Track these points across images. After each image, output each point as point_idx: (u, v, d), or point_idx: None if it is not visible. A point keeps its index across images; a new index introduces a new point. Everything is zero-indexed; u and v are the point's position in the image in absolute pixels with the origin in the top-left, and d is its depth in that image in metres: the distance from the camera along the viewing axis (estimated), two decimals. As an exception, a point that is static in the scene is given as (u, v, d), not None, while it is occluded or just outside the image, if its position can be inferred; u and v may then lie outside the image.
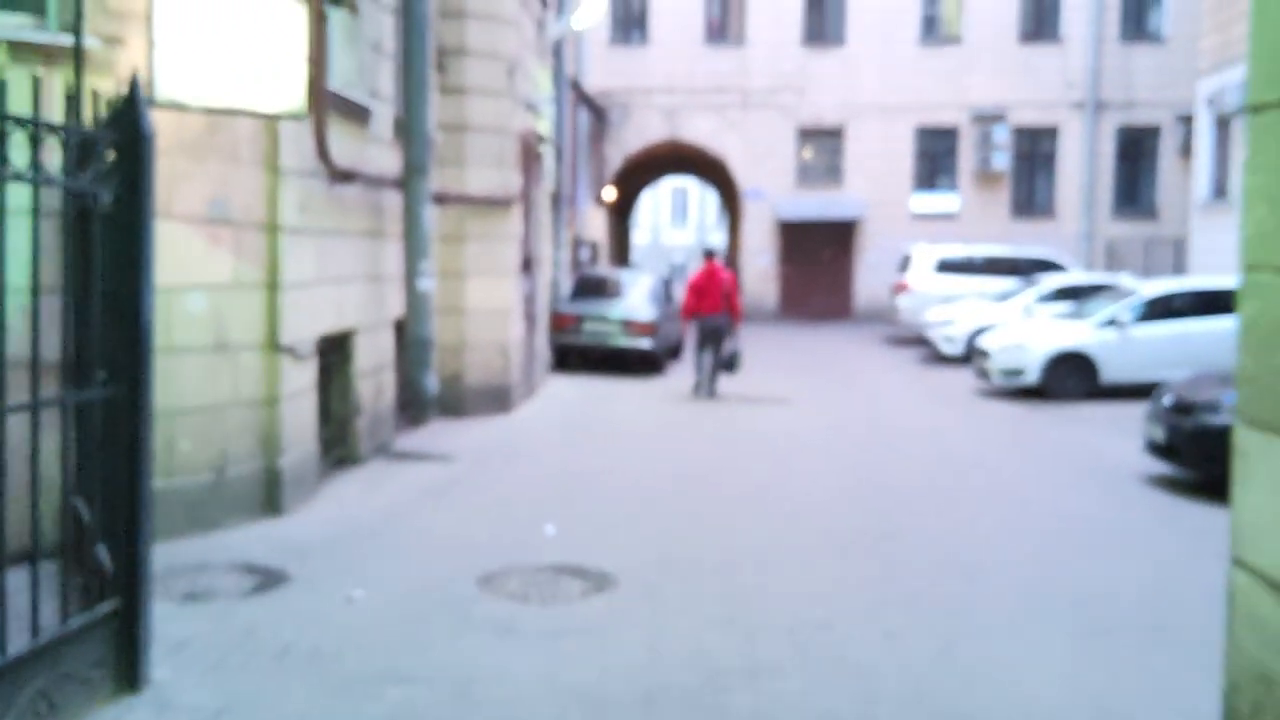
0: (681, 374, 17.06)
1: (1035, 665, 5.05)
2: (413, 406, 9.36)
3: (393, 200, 9.45)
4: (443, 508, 7.85)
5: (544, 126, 13.58)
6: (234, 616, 5.45)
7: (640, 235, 56.33)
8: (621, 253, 37.59)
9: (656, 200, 59.14)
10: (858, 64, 27.42)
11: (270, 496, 7.39)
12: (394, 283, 9.54)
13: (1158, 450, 9.36)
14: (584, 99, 25.70)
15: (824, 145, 27.94)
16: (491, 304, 11.60)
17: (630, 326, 16.11)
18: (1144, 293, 15.16)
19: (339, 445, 8.82)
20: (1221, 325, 14.83)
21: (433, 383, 9.25)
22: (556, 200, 19.14)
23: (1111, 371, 14.79)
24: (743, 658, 5.04)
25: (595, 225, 27.49)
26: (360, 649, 5.05)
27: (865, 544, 7.09)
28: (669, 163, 33.85)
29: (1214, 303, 15.04)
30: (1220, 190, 21.19)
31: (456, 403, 11.47)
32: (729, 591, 6.03)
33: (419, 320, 9.13)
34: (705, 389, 14.14)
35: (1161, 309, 14.98)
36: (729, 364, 14.26)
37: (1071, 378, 14.85)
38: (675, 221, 60.68)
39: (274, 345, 7.40)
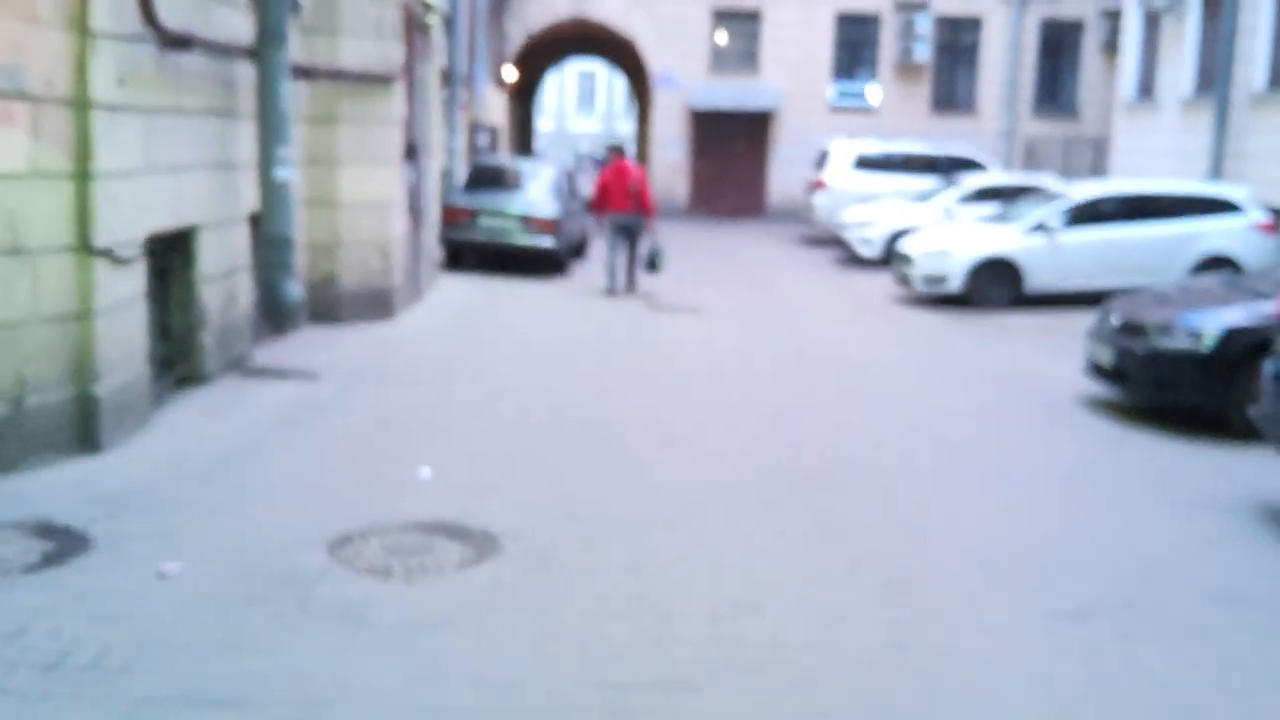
0: (586, 274, 15.89)
1: (1005, 666, 4.15)
2: (273, 315, 8.05)
3: (246, 73, 7.99)
4: (298, 441, 6.64)
5: (433, -7, 12.03)
6: (2, 606, 4.25)
7: (544, 122, 54.25)
8: (524, 141, 35.83)
9: (562, 84, 56.93)
10: (777, -57, 25.87)
11: (85, 430, 6.11)
12: (248, 171, 8.13)
13: (1103, 374, 8.56)
14: (485, -30, 23.76)
15: (740, 29, 26.49)
16: (369, 196, 10.22)
17: (530, 223, 14.80)
18: (1072, 196, 14.35)
19: (181, 363, 7.51)
20: (1152, 232, 14.17)
21: (294, 288, 7.94)
22: (449, 80, 17.52)
23: (1038, 280, 14.04)
24: (654, 662, 4.04)
25: (495, 109, 25.77)
26: (161, 656, 3.91)
27: (795, 494, 6.12)
28: (575, 43, 32.04)
29: (1143, 208, 14.34)
30: (1146, 90, 20.45)
31: (330, 308, 10.16)
32: (638, 559, 5.01)
33: (277, 216, 7.77)
34: (622, 287, 13.91)
35: (1089, 214, 14.21)
36: (651, 263, 13.95)
37: (996, 286, 14.06)
38: (582, 108, 58.59)
39: (87, 247, 6.05)
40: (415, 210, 11.52)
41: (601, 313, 12.47)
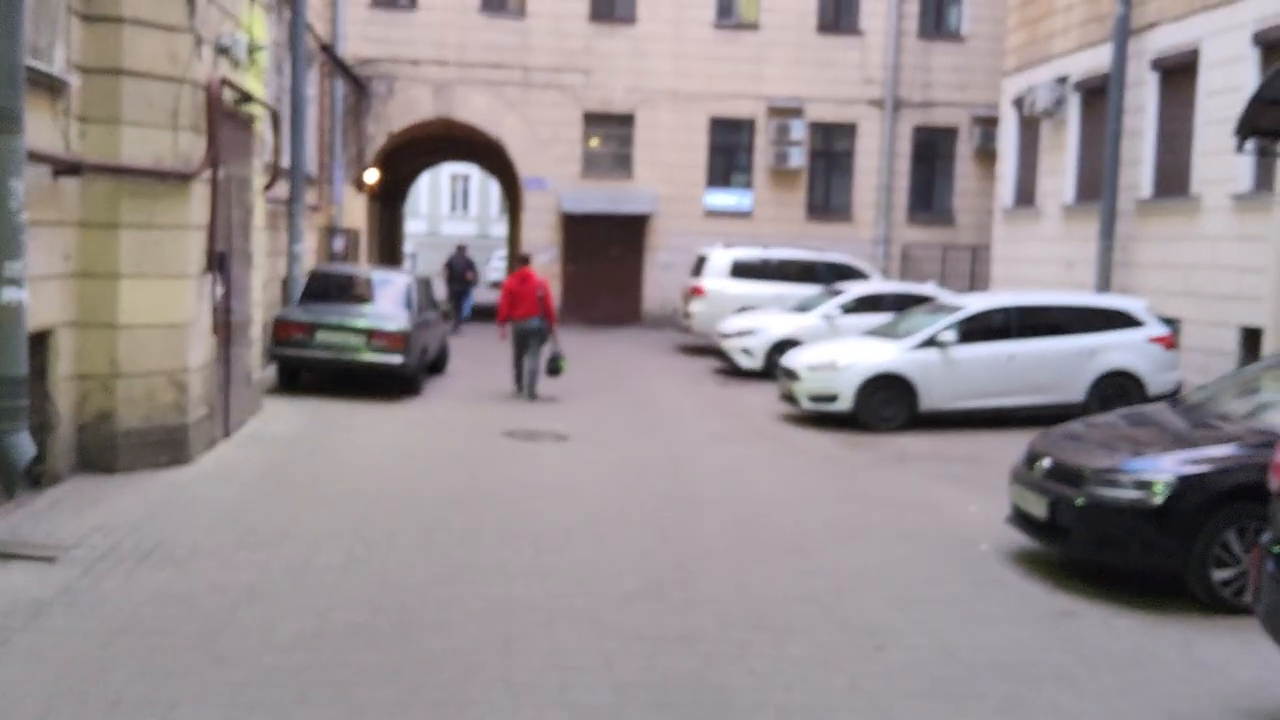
0: (444, 393, 14.21)
1: None
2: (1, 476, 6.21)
3: (-27, 167, 6.25)
4: (-9, 670, 4.80)
5: (253, 82, 10.45)
6: None
7: (415, 224, 52.76)
8: (391, 244, 34.18)
9: (436, 187, 55.66)
10: (649, 45, 25.14)
11: None
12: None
13: (1033, 526, 7.25)
14: (341, 67, 22.39)
15: (613, 133, 25.53)
16: (158, 316, 8.44)
17: (376, 337, 13.13)
18: (966, 308, 13.37)
19: None
20: (1051, 347, 13.24)
21: (23, 444, 6.12)
22: (294, 181, 15.92)
23: (933, 398, 12.93)
24: None
25: (355, 212, 24.20)
26: None
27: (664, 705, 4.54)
28: (444, 145, 30.76)
29: (1039, 321, 13.45)
30: (1026, 197, 20.00)
31: (104, 454, 8.28)
32: None
33: (1, 349, 5.98)
34: (527, 392, 14.22)
35: (983, 327, 13.25)
36: (552, 368, 14.35)
37: (889, 405, 12.90)
38: (456, 211, 57.27)
39: None
40: (228, 328, 9.77)
41: (453, 444, 10.81)
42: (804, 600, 6.30)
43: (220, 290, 9.49)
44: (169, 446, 8.61)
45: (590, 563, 6.79)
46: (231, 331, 9.96)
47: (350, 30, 24.14)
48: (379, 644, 5.24)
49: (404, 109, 24.82)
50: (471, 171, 52.81)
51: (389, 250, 33.45)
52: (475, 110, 25.01)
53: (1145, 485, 6.50)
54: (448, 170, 53.61)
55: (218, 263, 9.28)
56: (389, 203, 33.55)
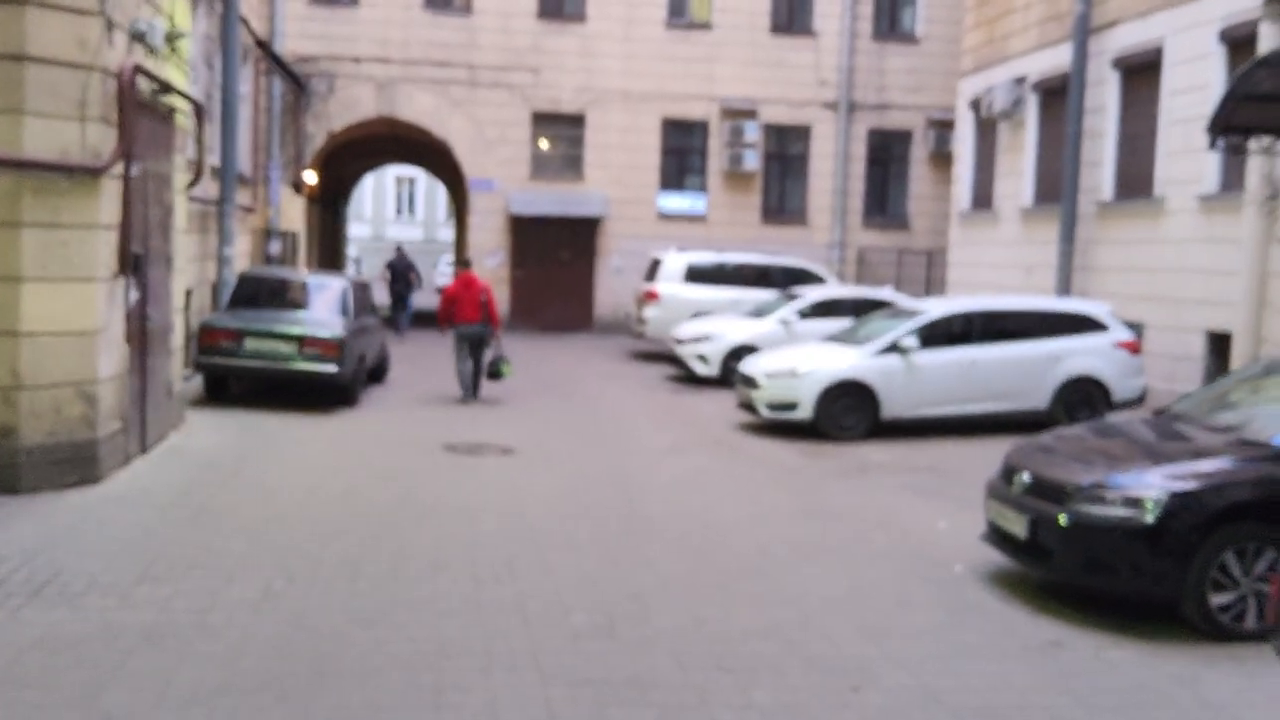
0: (383, 404, 13.53)
1: None
2: None
3: None
4: None
5: (175, 73, 9.74)
6: None
7: (359, 228, 51.77)
8: (333, 248, 33.31)
9: (380, 190, 54.67)
10: (599, 44, 24.57)
11: None
12: None
13: (1013, 545, 6.76)
14: (278, 64, 21.60)
15: (562, 133, 24.91)
16: (64, 323, 7.72)
17: (309, 344, 12.41)
18: (927, 313, 12.94)
19: None
20: (1015, 352, 12.83)
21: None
22: (225, 180, 15.16)
23: (895, 406, 12.48)
24: None
25: (293, 214, 23.37)
26: None
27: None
28: (388, 146, 29.96)
29: (1002, 326, 13.04)
30: (983, 200, 19.70)
31: (4, 473, 7.55)
32: None
33: None
34: (469, 395, 14.23)
35: (945, 333, 12.82)
36: (494, 372, 14.32)
37: (850, 413, 12.43)
38: (401, 215, 56.31)
39: None
40: (141, 337, 9.04)
41: (389, 460, 10.15)
42: (769, 634, 5.74)
43: (135, 295, 8.76)
44: (77, 464, 7.88)
45: (534, 595, 6.19)
46: (148, 340, 9.24)
47: (289, 27, 23.37)
48: (290, 698, 4.61)
49: (345, 108, 24.04)
50: (417, 174, 51.94)
51: (330, 254, 32.57)
52: (420, 110, 24.29)
53: (1135, 503, 6.03)
54: (393, 173, 52.69)
55: (132, 265, 8.56)
56: (330, 205, 32.68)
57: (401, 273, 24.44)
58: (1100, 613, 6.28)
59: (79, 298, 7.76)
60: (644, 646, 5.45)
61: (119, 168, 8.04)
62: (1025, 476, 6.76)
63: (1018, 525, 6.61)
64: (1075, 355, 12.98)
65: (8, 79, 7.30)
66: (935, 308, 13.14)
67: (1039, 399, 12.83)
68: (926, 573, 7.10)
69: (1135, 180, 15.27)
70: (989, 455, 11.54)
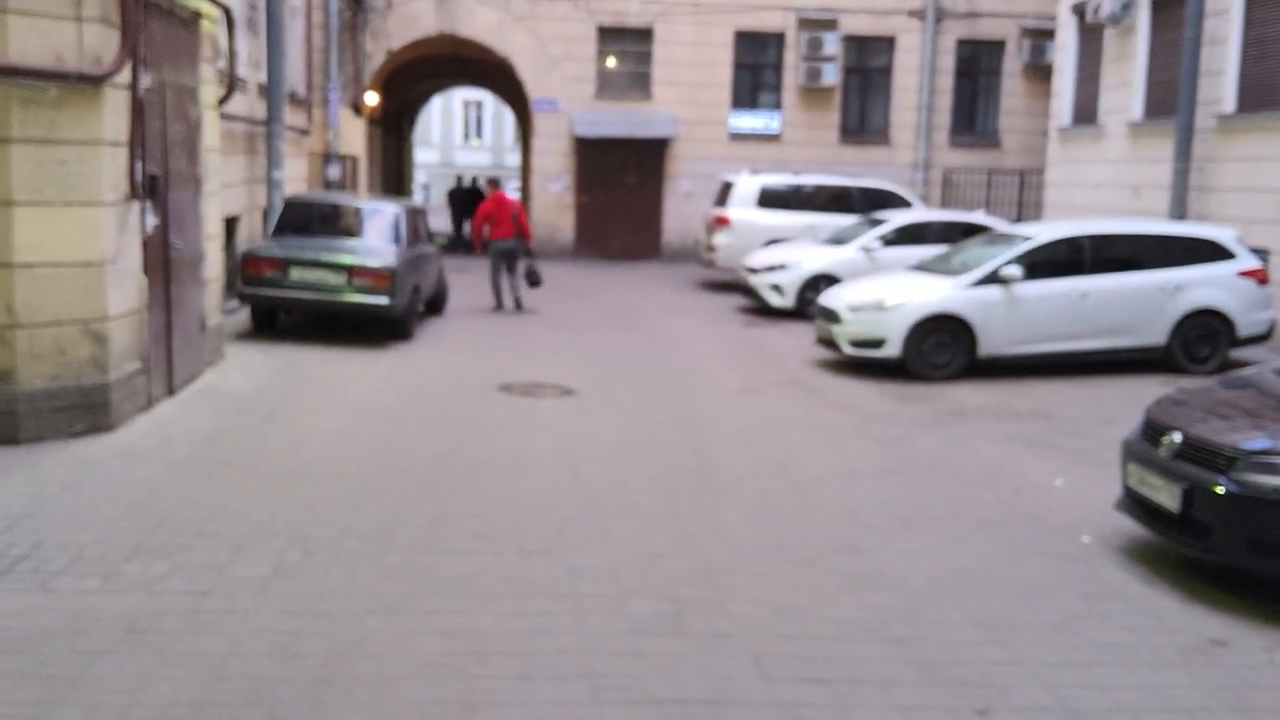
0: (440, 339, 12.67)
1: None
2: None
3: None
4: None
5: (198, -28, 8.77)
6: None
7: (427, 154, 50.91)
8: (398, 173, 32.48)
9: (448, 114, 53.66)
10: (669, -48, 23.12)
11: None
12: None
13: (1159, 519, 5.66)
14: (333, -24, 20.51)
15: (629, 49, 23.60)
16: (66, 252, 6.88)
17: (359, 275, 11.55)
18: (1031, 239, 11.67)
19: None
20: (1129, 283, 11.54)
21: None
22: (272, 99, 14.26)
23: (993, 343, 11.31)
24: None
25: (353, 138, 22.50)
26: None
27: None
28: (451, 67, 28.86)
29: (1114, 254, 11.73)
30: (1086, 115, 18.10)
31: (2, 421, 6.79)
32: None
33: None
34: (510, 306, 15.21)
35: (1050, 261, 11.55)
36: (532, 280, 15.12)
37: (943, 350, 11.29)
38: (469, 139, 55.29)
39: None
40: (163, 267, 8.20)
41: (439, 402, 9.27)
42: (870, 630, 4.76)
43: (154, 221, 7.91)
44: (86, 411, 7.11)
45: (588, 573, 5.26)
46: (173, 270, 8.40)
47: (344, -63, 22.25)
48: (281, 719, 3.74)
49: (404, 24, 22.97)
50: (484, 98, 50.76)
51: (395, 180, 31.77)
52: (481, 25, 23.13)
53: (1324, 475, 4.90)
54: (460, 96, 51.60)
55: (148, 188, 7.70)
56: (395, 129, 31.78)
57: (463, 200, 23.72)
58: (1269, 602, 5.20)
59: (82, 223, 6.91)
60: (718, 646, 4.50)
61: (125, 75, 7.13)
62: (1176, 436, 5.63)
63: (1167, 495, 5.51)
64: (1196, 286, 11.65)
65: (-11, -28, 6.39)
66: (1040, 233, 11.86)
67: (1155, 334, 11.57)
68: (1049, 545, 6.05)
69: (1263, 90, 13.68)
70: (1101, 398, 10.46)
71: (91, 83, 6.81)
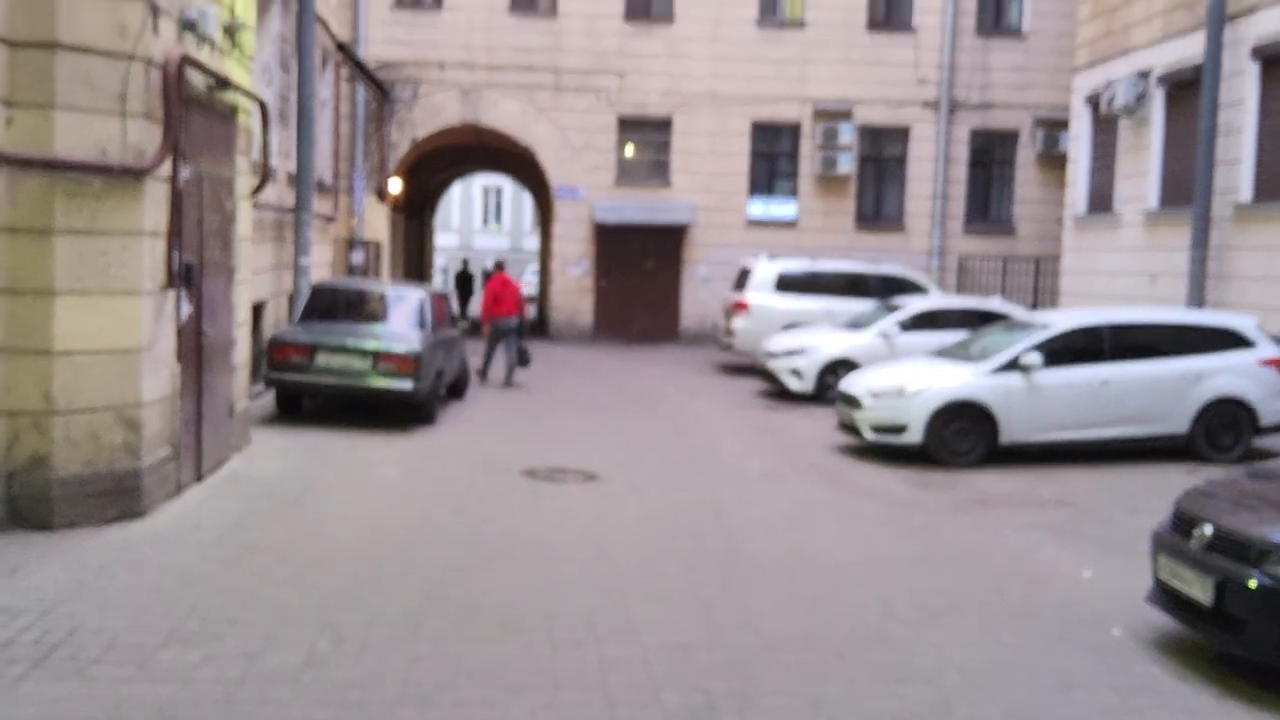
0: (461, 422, 12.74)
1: None
2: None
3: None
4: None
5: (236, 68, 9.05)
6: None
7: (446, 238, 51.59)
8: (418, 258, 32.90)
9: (467, 199, 54.49)
10: (687, 46, 23.67)
11: None
12: None
13: (1192, 613, 5.63)
14: (361, 70, 21.10)
15: (648, 139, 24.05)
16: (103, 340, 7.02)
17: (384, 360, 11.69)
18: (1051, 326, 11.75)
19: None
20: (1150, 371, 11.57)
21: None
22: (301, 187, 14.57)
23: (1015, 430, 11.31)
24: None
25: (377, 223, 22.90)
26: None
27: None
28: (474, 154, 29.44)
29: (1133, 342, 11.78)
30: (1100, 203, 18.29)
31: (37, 507, 6.87)
32: None
33: None
34: (506, 380, 16.35)
35: (1069, 348, 11.61)
36: (522, 359, 16.51)
37: (965, 437, 11.29)
38: (488, 224, 56.05)
39: None
40: (195, 353, 8.34)
41: (464, 487, 9.31)
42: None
43: (188, 308, 8.06)
44: (118, 497, 7.18)
45: (618, 664, 5.25)
46: (204, 356, 8.54)
47: (372, 32, 22.89)
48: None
49: (429, 115, 23.49)
50: (504, 183, 51.60)
51: (417, 264, 32.17)
52: (505, 116, 23.63)
53: (1359, 570, 4.89)
54: (479, 181, 52.44)
55: (184, 276, 7.86)
56: (416, 215, 32.28)
57: (465, 284, 24.43)
58: (1309, 699, 5.15)
59: (120, 312, 7.05)
60: (751, 740, 4.48)
61: (166, 168, 7.33)
62: (1207, 529, 5.63)
63: (1199, 589, 5.49)
64: (1217, 374, 11.67)
65: (37, 70, 6.62)
66: (1059, 320, 11.94)
67: (1177, 423, 11.56)
68: (1080, 637, 6.01)
69: (1278, 180, 13.85)
70: (1125, 487, 10.42)
71: (134, 176, 7.01)
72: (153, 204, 7.26)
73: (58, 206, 6.75)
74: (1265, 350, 11.90)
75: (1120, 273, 17.30)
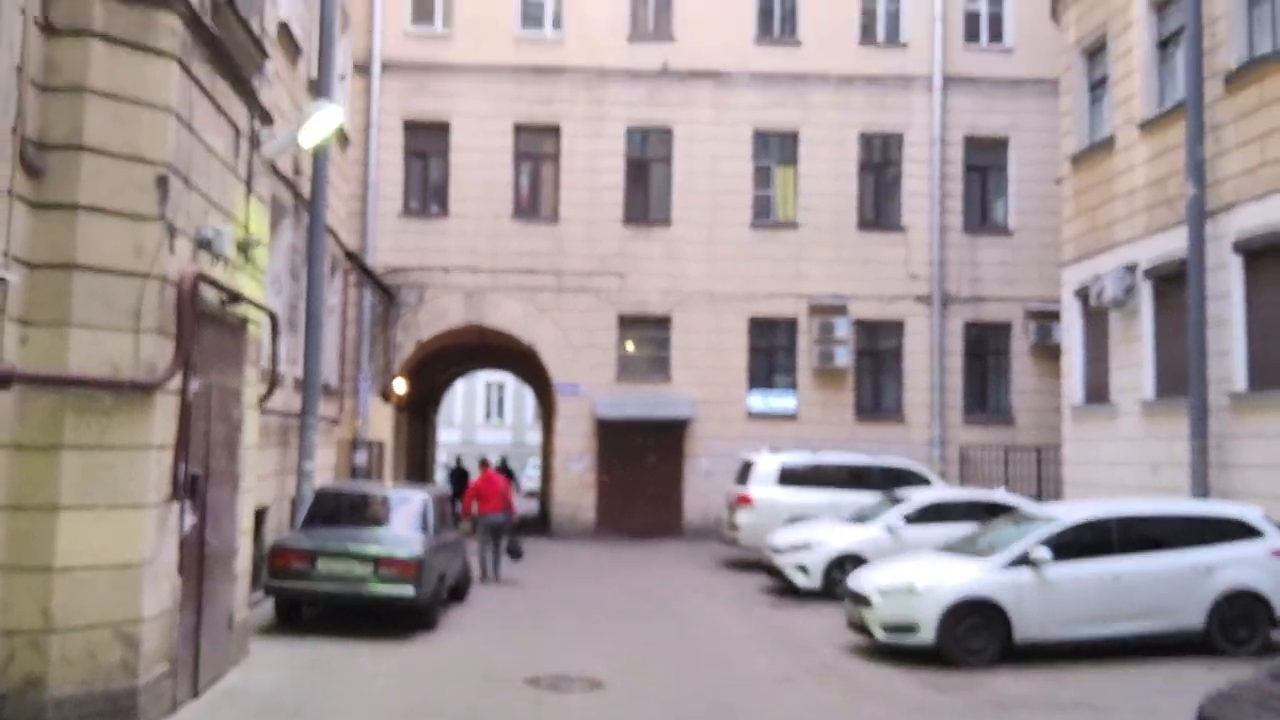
0: (462, 627, 12.51)
1: None
2: None
3: None
4: None
5: (248, 282, 9.33)
6: None
7: (449, 434, 51.84)
8: (421, 457, 32.99)
9: (470, 394, 55.05)
10: (684, 247, 24.43)
11: None
12: None
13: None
14: (369, 276, 21.73)
15: (648, 336, 24.51)
16: (106, 555, 6.98)
17: (384, 565, 11.57)
18: (1059, 520, 11.69)
19: None
20: (1161, 564, 11.44)
21: None
22: (307, 393, 14.76)
23: (1028, 627, 11.10)
24: None
25: (381, 424, 23.08)
26: None
27: None
28: (476, 353, 29.93)
29: (1142, 534, 11.69)
30: (1097, 393, 18.46)
31: (29, 730, 6.69)
32: None
33: None
34: (491, 577, 16.24)
35: (1078, 542, 11.51)
36: (514, 553, 16.55)
37: (978, 635, 11.07)
38: (490, 419, 56.42)
39: None
40: (197, 565, 8.27)
41: (463, 698, 9.06)
42: None
43: (191, 520, 8.05)
44: (112, 717, 6.98)
45: None
46: (206, 567, 8.47)
47: (380, 240, 23.68)
48: None
49: (434, 317, 24.01)
50: (506, 378, 52.24)
51: (419, 463, 32.23)
52: (508, 317, 24.16)
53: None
54: (483, 377, 53.10)
55: (189, 488, 7.89)
56: (419, 413, 32.55)
57: (460, 480, 24.59)
58: None
59: (124, 526, 7.05)
60: None
61: (176, 382, 7.46)
62: (1235, 740, 5.47)
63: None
64: (1229, 566, 11.55)
65: (55, 290, 6.82)
66: (1067, 513, 11.88)
67: (1191, 617, 11.36)
68: None
69: (1273, 369, 14.02)
70: (1144, 686, 10.09)
71: (144, 391, 7.13)
72: (162, 417, 7.35)
73: (67, 423, 6.84)
74: (1275, 540, 11.80)
75: (1122, 462, 17.30)
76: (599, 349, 24.17)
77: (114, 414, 7.02)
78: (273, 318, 10.20)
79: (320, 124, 9.89)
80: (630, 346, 24.48)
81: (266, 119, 9.73)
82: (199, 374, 7.97)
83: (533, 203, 24.75)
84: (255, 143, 9.43)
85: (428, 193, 24.67)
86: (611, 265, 24.28)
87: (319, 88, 14.71)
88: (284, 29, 13.49)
